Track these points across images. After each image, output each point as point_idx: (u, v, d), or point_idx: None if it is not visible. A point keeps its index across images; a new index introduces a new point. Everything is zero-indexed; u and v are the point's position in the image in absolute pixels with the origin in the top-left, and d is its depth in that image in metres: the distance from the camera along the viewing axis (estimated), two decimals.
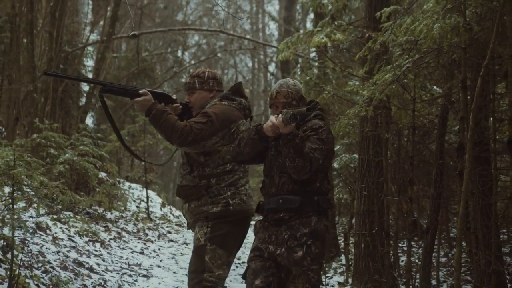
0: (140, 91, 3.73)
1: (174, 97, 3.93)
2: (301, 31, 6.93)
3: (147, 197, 10.95)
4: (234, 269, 7.74)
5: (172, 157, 4.63)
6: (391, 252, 6.38)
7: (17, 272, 4.65)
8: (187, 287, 3.90)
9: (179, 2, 22.62)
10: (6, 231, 5.17)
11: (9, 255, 4.95)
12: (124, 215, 9.70)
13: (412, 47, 4.94)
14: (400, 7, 5.37)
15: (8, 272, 4.61)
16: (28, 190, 5.82)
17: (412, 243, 8.65)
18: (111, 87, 3.79)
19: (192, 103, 3.94)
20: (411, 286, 5.72)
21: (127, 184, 12.65)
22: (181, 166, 3.94)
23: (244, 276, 3.49)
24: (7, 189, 4.93)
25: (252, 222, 3.96)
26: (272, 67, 23.38)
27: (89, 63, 13.77)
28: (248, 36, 22.77)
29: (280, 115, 3.25)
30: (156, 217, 10.92)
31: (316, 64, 9.04)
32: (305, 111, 3.23)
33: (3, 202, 4.57)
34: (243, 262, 8.25)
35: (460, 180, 4.41)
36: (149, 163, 4.41)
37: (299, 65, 10.18)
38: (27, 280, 4.83)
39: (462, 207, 4.10)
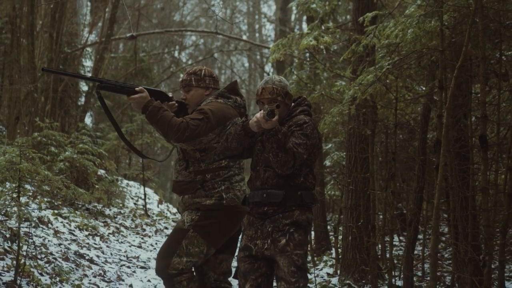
0: (137, 88, 3.76)
1: (170, 95, 3.98)
2: (297, 32, 7.21)
3: (145, 194, 11.20)
4: None
5: (171, 154, 4.75)
6: (379, 243, 6.67)
7: (22, 262, 4.93)
8: None
9: (176, 3, 22.87)
10: (11, 223, 5.47)
11: (15, 246, 5.24)
12: (122, 211, 9.96)
13: (394, 49, 5.22)
14: (382, 12, 5.65)
15: (14, 262, 4.91)
16: (30, 185, 6.09)
17: (401, 237, 8.94)
18: (108, 84, 3.80)
19: (188, 100, 3.96)
20: (395, 277, 6.00)
21: (125, 181, 12.90)
22: (177, 162, 3.96)
23: (235, 276, 3.60)
24: (11, 184, 5.20)
25: None
26: (268, 67, 23.61)
27: (88, 63, 14.04)
28: (244, 37, 23.04)
29: (262, 111, 3.29)
30: (153, 213, 11.16)
31: (308, 64, 9.32)
32: (274, 107, 3.28)
33: (9, 196, 4.83)
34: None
35: (436, 174, 4.69)
36: (149, 158, 4.57)
37: (293, 65, 10.46)
38: (31, 270, 5.11)
39: (437, 198, 4.40)
